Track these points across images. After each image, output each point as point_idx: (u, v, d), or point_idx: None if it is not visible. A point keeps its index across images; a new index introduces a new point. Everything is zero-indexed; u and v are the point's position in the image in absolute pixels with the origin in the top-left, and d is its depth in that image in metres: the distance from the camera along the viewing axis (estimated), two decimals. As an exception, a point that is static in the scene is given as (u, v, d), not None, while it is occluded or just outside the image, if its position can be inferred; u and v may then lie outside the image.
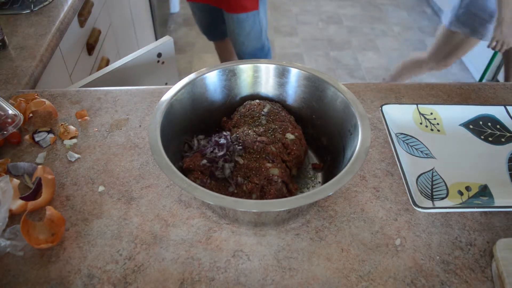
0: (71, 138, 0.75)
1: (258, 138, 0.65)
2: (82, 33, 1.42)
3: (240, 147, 0.64)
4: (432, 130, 0.75)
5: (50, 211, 0.59)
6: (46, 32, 1.11)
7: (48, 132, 0.75)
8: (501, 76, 2.35)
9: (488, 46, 1.52)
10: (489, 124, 0.76)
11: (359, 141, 0.57)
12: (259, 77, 0.73)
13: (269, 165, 0.62)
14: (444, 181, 0.67)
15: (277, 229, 0.61)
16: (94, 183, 0.67)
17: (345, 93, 0.64)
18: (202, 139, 0.69)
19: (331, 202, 0.65)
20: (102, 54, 1.62)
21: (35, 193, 0.64)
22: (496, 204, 0.63)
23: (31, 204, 0.62)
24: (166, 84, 1.22)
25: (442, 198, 0.64)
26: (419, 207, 0.59)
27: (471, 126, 0.76)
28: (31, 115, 0.80)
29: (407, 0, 3.48)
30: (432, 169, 0.68)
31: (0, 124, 0.70)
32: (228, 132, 0.68)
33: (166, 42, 1.14)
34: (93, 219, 0.62)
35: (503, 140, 0.74)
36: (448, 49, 1.74)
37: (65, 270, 0.56)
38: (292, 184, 0.63)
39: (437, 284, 0.55)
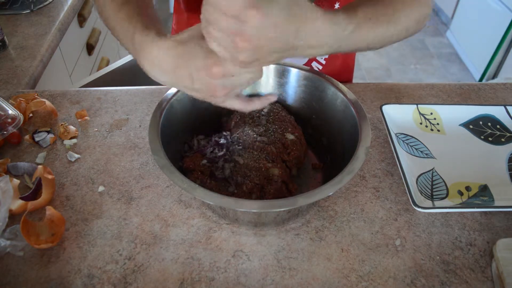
0: (71, 138, 0.75)
1: (258, 138, 0.65)
2: (82, 33, 1.42)
3: (240, 147, 0.64)
4: (432, 130, 0.75)
5: (50, 211, 0.59)
6: (46, 32, 1.11)
7: (48, 132, 0.75)
8: (501, 76, 2.35)
9: None
10: (489, 124, 0.76)
11: (359, 141, 0.57)
12: (259, 77, 0.73)
13: (269, 165, 0.62)
14: (444, 181, 0.67)
15: (277, 229, 0.61)
16: (94, 183, 0.67)
17: (345, 93, 0.64)
18: (202, 139, 0.69)
19: (331, 202, 0.65)
20: (102, 54, 1.62)
21: (35, 193, 0.64)
22: (496, 204, 0.63)
23: (31, 204, 0.62)
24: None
25: (442, 198, 0.64)
26: (419, 207, 0.59)
27: (471, 126, 0.76)
28: (31, 115, 0.80)
29: (407, 0, 3.48)
30: (432, 169, 0.68)
31: (0, 124, 0.70)
32: (228, 132, 0.68)
33: (166, 42, 1.14)
34: (93, 219, 0.62)
35: (503, 140, 0.74)
36: None
37: (65, 270, 0.56)
38: (292, 184, 0.63)
39: (437, 284, 0.55)
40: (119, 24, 0.55)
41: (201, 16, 0.43)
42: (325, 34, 0.46)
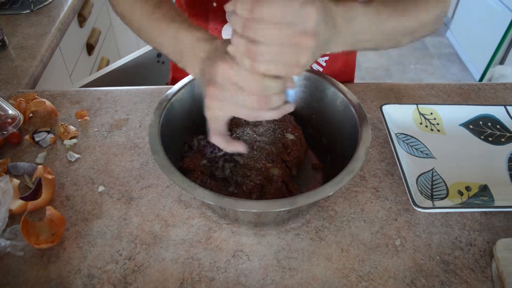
0: (71, 138, 0.75)
1: (258, 138, 0.65)
2: (82, 33, 1.42)
3: (240, 147, 0.64)
4: (432, 130, 0.75)
5: (50, 211, 0.59)
6: (46, 32, 1.11)
7: (48, 132, 0.75)
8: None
9: None
10: (489, 124, 0.76)
11: (359, 141, 0.57)
12: (259, 77, 0.72)
13: (269, 165, 0.62)
14: (444, 181, 0.67)
15: (277, 229, 0.61)
16: (94, 183, 0.67)
17: (345, 93, 0.64)
18: (202, 139, 0.69)
19: (331, 202, 0.65)
20: (102, 54, 1.62)
21: (35, 193, 0.64)
22: (496, 204, 0.63)
23: (31, 204, 0.62)
24: (166, 84, 1.22)
25: (442, 198, 0.64)
26: (419, 207, 0.59)
27: (471, 126, 0.76)
28: (31, 115, 0.80)
29: (407, 0, 3.48)
30: (432, 169, 0.68)
31: (0, 124, 0.70)
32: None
33: (166, 42, 1.13)
34: (93, 219, 0.62)
35: (503, 140, 0.74)
36: None
37: (65, 270, 0.56)
38: (292, 184, 0.63)
39: (437, 284, 0.55)
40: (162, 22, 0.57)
41: (239, 43, 0.41)
42: (346, 17, 0.46)
